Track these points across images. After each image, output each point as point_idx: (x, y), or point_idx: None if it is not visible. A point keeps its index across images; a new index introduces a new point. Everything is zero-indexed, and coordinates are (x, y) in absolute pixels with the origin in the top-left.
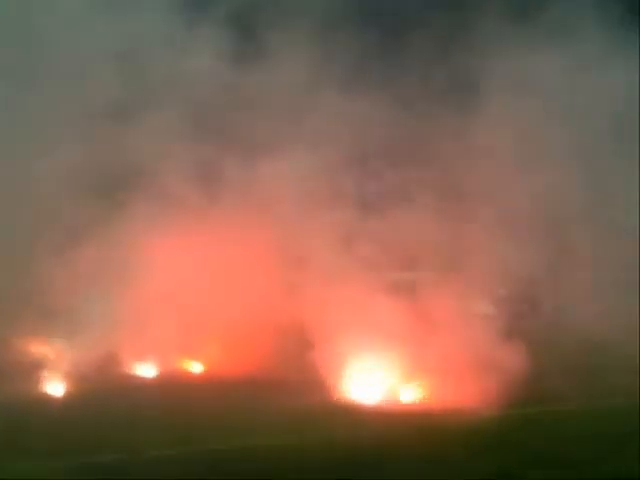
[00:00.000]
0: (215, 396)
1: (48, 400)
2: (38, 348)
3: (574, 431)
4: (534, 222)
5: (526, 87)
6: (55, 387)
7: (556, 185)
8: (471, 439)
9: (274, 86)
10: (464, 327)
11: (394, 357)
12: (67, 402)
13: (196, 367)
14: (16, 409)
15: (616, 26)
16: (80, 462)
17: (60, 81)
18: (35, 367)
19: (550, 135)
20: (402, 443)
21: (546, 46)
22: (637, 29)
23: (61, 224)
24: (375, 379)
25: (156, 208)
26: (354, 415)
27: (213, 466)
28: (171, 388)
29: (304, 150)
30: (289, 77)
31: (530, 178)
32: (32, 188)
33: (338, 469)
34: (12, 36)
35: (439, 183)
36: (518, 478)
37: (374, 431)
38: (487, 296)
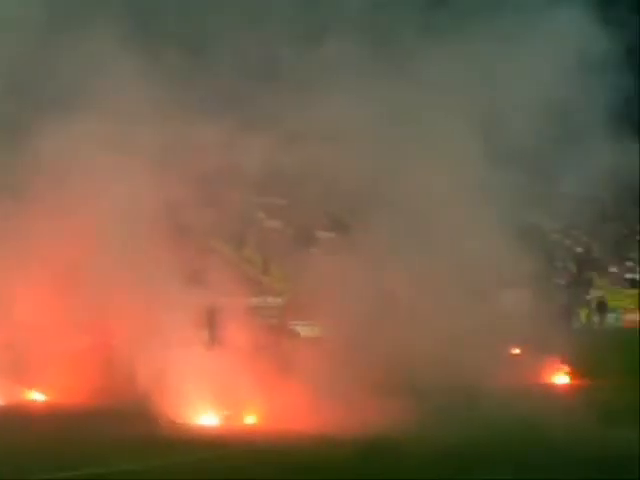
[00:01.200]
0: (55, 426)
1: None
2: None
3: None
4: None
5: None
6: None
7: None
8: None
9: None
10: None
11: (230, 381)
12: None
13: (38, 397)
14: None
15: None
16: None
17: None
18: None
19: None
20: (251, 467)
21: None
22: None
23: None
24: (212, 403)
25: None
26: (196, 439)
27: None
28: (12, 418)
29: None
30: None
31: None
32: None
33: None
34: None
35: None
36: None
37: (217, 454)
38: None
